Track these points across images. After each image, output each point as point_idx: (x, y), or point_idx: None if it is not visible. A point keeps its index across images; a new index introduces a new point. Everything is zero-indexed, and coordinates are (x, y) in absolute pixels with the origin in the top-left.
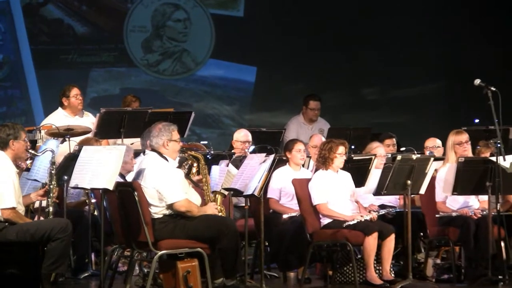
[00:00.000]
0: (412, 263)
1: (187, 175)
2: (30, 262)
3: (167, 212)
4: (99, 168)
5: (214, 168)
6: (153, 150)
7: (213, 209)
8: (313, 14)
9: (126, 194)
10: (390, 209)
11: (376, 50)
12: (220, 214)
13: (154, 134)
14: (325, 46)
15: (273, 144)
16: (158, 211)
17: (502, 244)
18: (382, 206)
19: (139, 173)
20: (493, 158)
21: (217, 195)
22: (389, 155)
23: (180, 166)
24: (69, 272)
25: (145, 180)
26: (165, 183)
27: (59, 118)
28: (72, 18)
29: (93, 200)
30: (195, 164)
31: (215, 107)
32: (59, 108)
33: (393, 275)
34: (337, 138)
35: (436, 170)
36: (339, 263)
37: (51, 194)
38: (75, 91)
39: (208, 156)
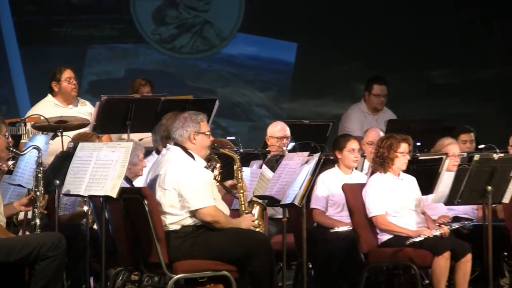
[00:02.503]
0: None
1: (218, 180)
2: (14, 286)
3: (187, 222)
4: (100, 170)
5: (244, 170)
6: (176, 144)
7: (248, 222)
8: None
9: (133, 203)
10: (466, 222)
11: (447, 21)
12: (258, 230)
13: (177, 124)
14: (384, 16)
15: (319, 141)
16: (176, 220)
17: None
18: (455, 219)
19: (156, 173)
20: None
21: (255, 206)
22: (465, 154)
23: None
24: None
25: (165, 180)
26: (190, 184)
27: (48, 107)
28: None
29: (85, 208)
30: (218, 166)
31: (245, 94)
32: (49, 95)
33: None
34: (399, 133)
35: None
36: None
37: (37, 203)
38: (67, 74)
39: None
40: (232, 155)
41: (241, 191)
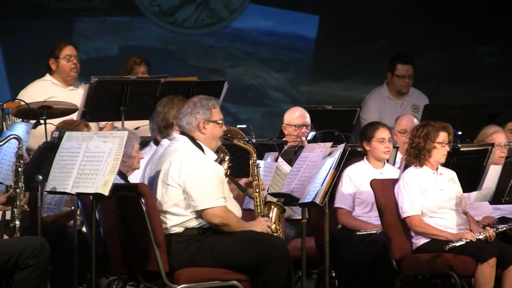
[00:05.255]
0: None
1: (229, 175)
2: None
3: (191, 224)
4: (89, 164)
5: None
6: (183, 133)
7: (263, 226)
8: None
9: (128, 202)
10: None
11: None
12: (275, 235)
13: (185, 110)
14: None
15: (344, 130)
16: (179, 222)
17: None
18: (502, 220)
19: (158, 167)
20: None
21: (272, 207)
22: None
23: None
24: None
25: (168, 174)
26: (197, 180)
27: (44, 86)
28: None
29: (72, 208)
30: (226, 158)
31: (259, 75)
32: (46, 75)
33: None
34: (437, 120)
35: None
36: None
37: (17, 202)
38: (68, 51)
39: None
40: (248, 147)
41: (257, 190)
